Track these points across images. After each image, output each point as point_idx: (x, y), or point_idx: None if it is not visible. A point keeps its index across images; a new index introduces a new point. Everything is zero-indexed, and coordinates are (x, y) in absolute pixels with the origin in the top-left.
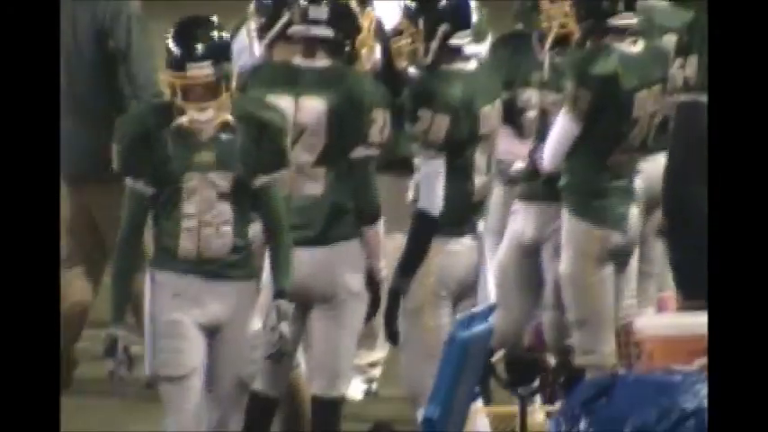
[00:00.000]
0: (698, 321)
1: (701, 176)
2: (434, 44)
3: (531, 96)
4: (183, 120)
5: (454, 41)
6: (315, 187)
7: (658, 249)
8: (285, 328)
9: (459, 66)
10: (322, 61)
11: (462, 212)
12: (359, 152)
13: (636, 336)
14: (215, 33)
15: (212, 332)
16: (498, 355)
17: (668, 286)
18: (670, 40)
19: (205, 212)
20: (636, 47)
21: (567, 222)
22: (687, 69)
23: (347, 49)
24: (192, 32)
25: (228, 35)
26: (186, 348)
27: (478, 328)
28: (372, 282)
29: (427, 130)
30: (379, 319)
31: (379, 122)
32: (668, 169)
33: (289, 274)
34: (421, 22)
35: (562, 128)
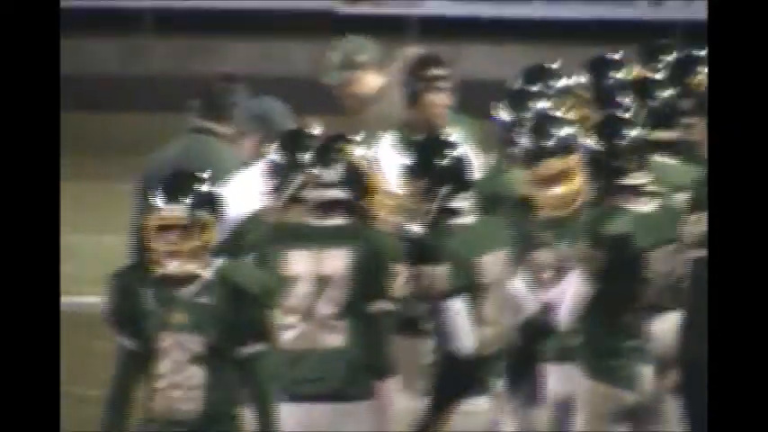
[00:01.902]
0: None
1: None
2: (434, 205)
3: (546, 256)
4: (160, 271)
5: (454, 204)
6: (335, 339)
7: (673, 409)
8: None
9: (458, 221)
10: (338, 220)
11: (472, 366)
12: (378, 306)
13: None
14: (202, 186)
15: None
16: None
17: None
18: (682, 198)
19: (175, 374)
20: (649, 206)
21: (581, 383)
22: (703, 224)
23: (361, 208)
24: (176, 180)
25: (217, 190)
26: None
27: None
28: None
29: (429, 286)
30: None
31: (401, 277)
32: (685, 326)
33: None
34: (422, 183)
35: (575, 288)
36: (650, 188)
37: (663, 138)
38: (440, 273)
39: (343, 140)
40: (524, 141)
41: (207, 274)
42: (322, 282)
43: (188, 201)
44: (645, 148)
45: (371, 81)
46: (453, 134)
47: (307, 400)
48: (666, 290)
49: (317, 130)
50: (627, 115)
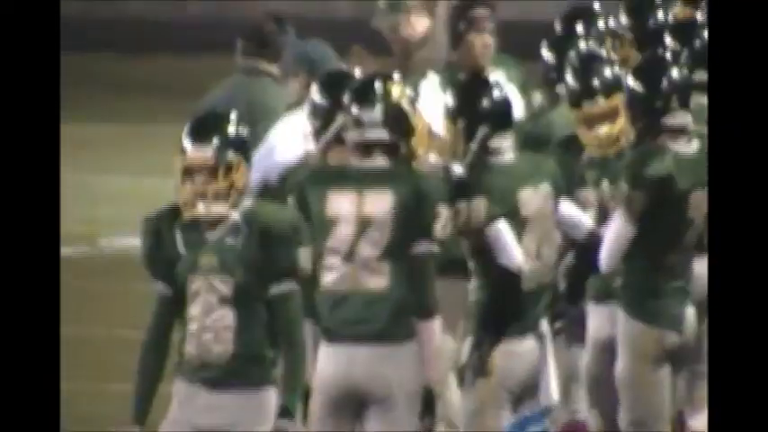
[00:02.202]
0: None
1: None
2: (473, 145)
3: (587, 194)
4: (188, 214)
5: (494, 143)
6: (379, 282)
7: None
8: None
9: (496, 159)
10: (380, 162)
11: (516, 303)
12: (422, 247)
13: None
14: (229, 127)
15: None
16: None
17: None
18: None
19: (206, 316)
20: (691, 146)
21: (623, 323)
22: None
23: (403, 149)
24: (202, 121)
25: (244, 132)
26: None
27: (532, 430)
28: (427, 393)
29: (468, 220)
30: None
31: (442, 219)
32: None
33: (296, 394)
34: (461, 123)
35: (617, 230)
36: (692, 129)
37: (704, 79)
38: (478, 205)
39: (384, 80)
40: (569, 81)
41: (234, 215)
42: (364, 223)
43: (215, 142)
44: (686, 89)
45: (420, 24)
46: (495, 75)
47: (348, 342)
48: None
49: (359, 71)
50: (668, 56)
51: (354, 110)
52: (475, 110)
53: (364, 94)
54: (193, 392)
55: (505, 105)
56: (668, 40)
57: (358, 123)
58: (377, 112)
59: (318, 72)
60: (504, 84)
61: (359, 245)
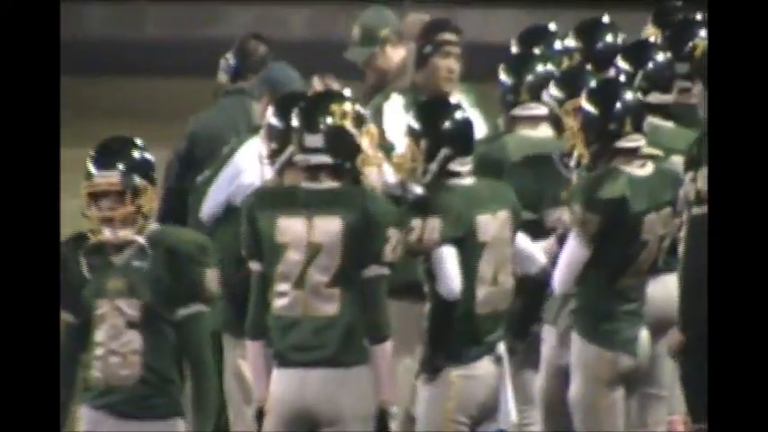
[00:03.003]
0: None
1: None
2: (434, 166)
3: (560, 215)
4: (94, 239)
5: (454, 166)
6: (329, 308)
7: (668, 372)
8: None
9: (455, 181)
10: (328, 184)
11: (470, 325)
12: (372, 271)
13: None
14: (134, 152)
15: None
16: None
17: (677, 410)
18: (677, 162)
19: (113, 341)
20: (645, 169)
21: (577, 346)
22: (699, 182)
23: (348, 170)
24: (107, 147)
25: (151, 157)
26: None
27: None
28: (381, 413)
29: (420, 238)
30: None
31: (393, 241)
32: (683, 284)
33: (210, 421)
34: (423, 143)
35: (571, 252)
36: (646, 151)
37: (658, 101)
38: (433, 225)
39: (328, 102)
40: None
41: (139, 239)
42: (313, 249)
43: (121, 167)
44: (640, 112)
45: (396, 54)
46: (458, 98)
47: (300, 366)
48: (663, 253)
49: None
50: (622, 78)
51: (299, 134)
52: (438, 131)
53: (307, 118)
54: (99, 419)
55: (468, 129)
56: (621, 62)
57: (302, 148)
58: (319, 137)
59: (279, 93)
60: (465, 107)
61: (309, 271)
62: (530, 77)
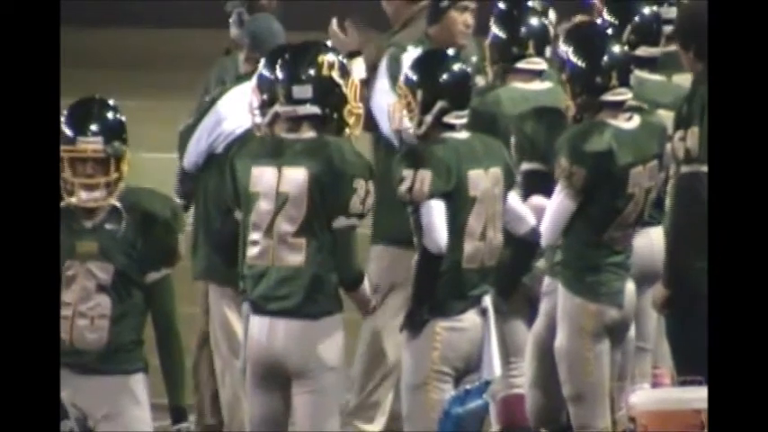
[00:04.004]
0: (693, 396)
1: (702, 248)
2: (429, 118)
3: None
4: (72, 200)
5: (449, 119)
6: (296, 258)
7: (653, 324)
8: None
9: (449, 134)
10: (307, 134)
11: (456, 279)
12: (340, 222)
13: (631, 411)
14: (109, 114)
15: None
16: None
17: (662, 362)
18: (664, 115)
19: (81, 303)
20: (631, 122)
21: (563, 298)
22: (688, 141)
23: (335, 121)
24: (85, 110)
25: (122, 117)
26: None
27: (473, 404)
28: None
29: (411, 188)
30: (379, 392)
31: (360, 193)
32: (670, 241)
33: (182, 388)
34: (419, 94)
35: (558, 204)
36: (632, 104)
37: (646, 54)
38: (423, 177)
39: (315, 52)
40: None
41: (113, 201)
42: (281, 199)
43: (102, 132)
44: (627, 65)
45: None
46: (457, 51)
47: (270, 315)
48: (649, 206)
49: (335, 44)
50: (609, 31)
51: (285, 84)
52: (435, 83)
53: (294, 70)
54: (63, 375)
55: (465, 82)
56: (608, 15)
57: (289, 99)
58: (307, 87)
59: (260, 46)
60: (464, 60)
61: (277, 220)
62: (524, 30)
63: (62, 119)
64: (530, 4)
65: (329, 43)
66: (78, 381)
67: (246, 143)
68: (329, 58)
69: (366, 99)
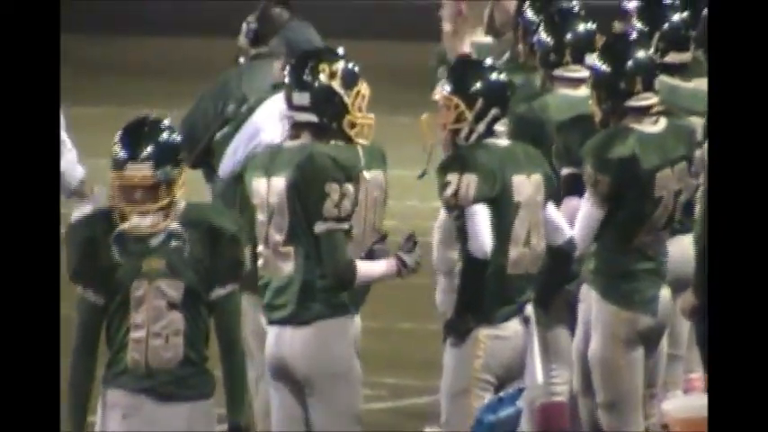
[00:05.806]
0: None
1: None
2: (482, 126)
3: None
4: (125, 226)
5: (498, 126)
6: (287, 266)
7: (685, 331)
8: None
9: (492, 141)
10: (305, 141)
11: (501, 285)
12: (319, 227)
13: (664, 418)
14: (162, 136)
15: None
16: None
17: (695, 368)
18: (695, 122)
19: (154, 323)
20: (657, 126)
21: (596, 305)
22: None
23: (333, 131)
24: (137, 133)
25: (178, 138)
26: None
27: (505, 412)
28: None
29: (456, 193)
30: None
31: (334, 197)
32: (700, 248)
33: (243, 405)
34: (479, 103)
35: (586, 212)
36: (657, 109)
37: (676, 61)
38: (468, 182)
39: (318, 61)
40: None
41: (175, 225)
42: (270, 209)
43: (153, 157)
44: (652, 71)
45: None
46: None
47: (276, 324)
48: (680, 209)
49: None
50: (634, 37)
51: (288, 90)
52: (491, 92)
53: (295, 76)
54: (138, 403)
55: (507, 90)
56: (636, 22)
57: (290, 105)
58: (306, 95)
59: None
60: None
61: (269, 230)
62: (569, 37)
63: (115, 139)
64: (575, 10)
65: (340, 51)
66: (153, 409)
67: (255, 156)
68: (333, 66)
69: None
